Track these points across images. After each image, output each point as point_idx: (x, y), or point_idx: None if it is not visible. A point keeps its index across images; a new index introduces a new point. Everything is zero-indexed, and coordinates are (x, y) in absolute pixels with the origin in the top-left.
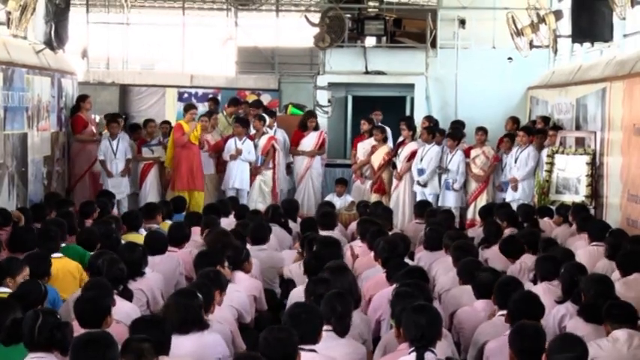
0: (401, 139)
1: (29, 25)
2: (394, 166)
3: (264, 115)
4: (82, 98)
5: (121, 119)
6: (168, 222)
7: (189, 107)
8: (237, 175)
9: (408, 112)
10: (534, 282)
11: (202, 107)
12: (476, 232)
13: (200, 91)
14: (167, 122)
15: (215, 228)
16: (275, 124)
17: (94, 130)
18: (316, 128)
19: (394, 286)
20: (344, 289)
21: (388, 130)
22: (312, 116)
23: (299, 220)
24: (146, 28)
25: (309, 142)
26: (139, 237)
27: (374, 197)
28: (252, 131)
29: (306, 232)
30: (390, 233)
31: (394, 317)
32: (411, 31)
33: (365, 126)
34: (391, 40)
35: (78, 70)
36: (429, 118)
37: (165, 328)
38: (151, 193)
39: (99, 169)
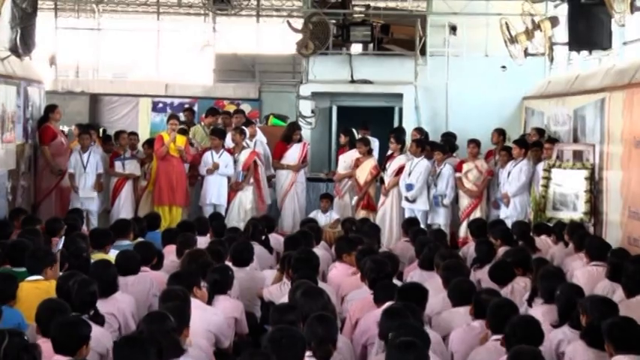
0: (389, 152)
1: None
2: (381, 181)
3: (243, 128)
4: (51, 108)
5: (93, 131)
6: (141, 240)
7: (170, 118)
8: (215, 190)
9: (396, 123)
10: (530, 303)
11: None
12: (468, 251)
13: (176, 101)
14: (135, 133)
15: (191, 247)
16: (257, 134)
17: (64, 141)
18: (299, 140)
19: (382, 308)
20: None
21: (374, 141)
22: (297, 129)
23: (281, 237)
24: (118, 34)
25: (293, 154)
26: (107, 257)
27: (361, 214)
28: (231, 144)
29: (290, 250)
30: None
31: (383, 339)
32: (399, 37)
33: (342, 139)
34: (378, 48)
35: (45, 79)
36: (418, 130)
37: (149, 351)
38: (124, 210)
39: (67, 183)
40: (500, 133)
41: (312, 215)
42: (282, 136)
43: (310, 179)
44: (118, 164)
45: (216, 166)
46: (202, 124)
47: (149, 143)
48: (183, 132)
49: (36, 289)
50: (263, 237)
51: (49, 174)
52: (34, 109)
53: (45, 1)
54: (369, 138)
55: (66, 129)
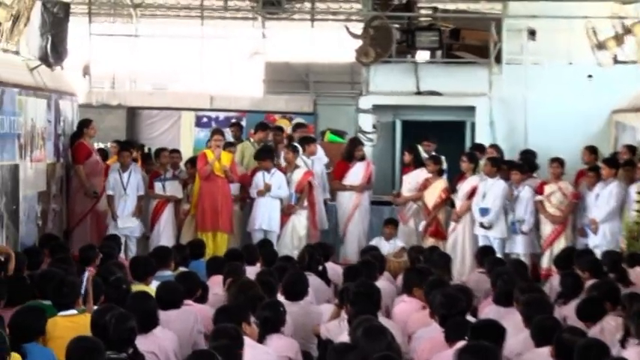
0: (461, 172)
1: (22, 38)
2: (452, 205)
3: (296, 145)
4: (85, 123)
5: (134, 148)
6: (184, 270)
7: (214, 133)
8: (266, 215)
9: (468, 140)
10: (623, 344)
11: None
12: (551, 285)
13: (222, 115)
14: (177, 151)
15: (239, 277)
16: (318, 151)
17: (99, 160)
18: (362, 158)
19: (454, 348)
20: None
21: (444, 160)
22: (359, 144)
23: (339, 268)
24: (158, 41)
25: (356, 174)
26: (148, 289)
27: (429, 242)
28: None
29: (349, 282)
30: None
31: None
32: (471, 43)
33: (407, 157)
34: (447, 55)
35: (79, 91)
36: (493, 147)
37: None
38: (164, 236)
39: (103, 207)
40: (592, 151)
41: (374, 243)
42: (344, 154)
43: (372, 202)
44: (158, 185)
45: (267, 188)
46: (251, 140)
47: (192, 162)
48: (229, 146)
49: (70, 324)
50: (319, 267)
51: (83, 196)
52: (66, 124)
53: (78, 5)
54: (439, 156)
55: (101, 146)
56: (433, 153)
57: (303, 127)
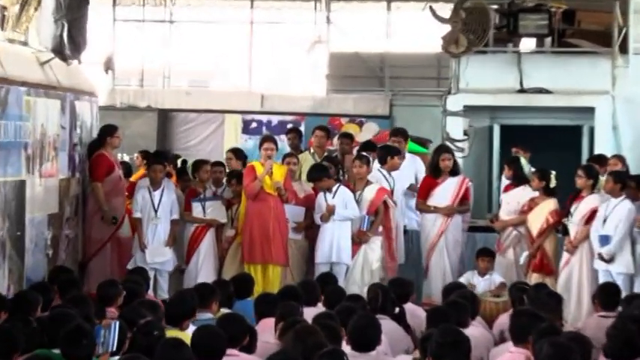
0: (576, 190)
1: (31, 26)
2: (564, 232)
3: (366, 155)
4: (109, 130)
5: (168, 161)
6: (227, 311)
7: (264, 140)
8: (334, 243)
9: (585, 150)
10: None
11: (280, 143)
12: None
13: (275, 119)
14: (220, 164)
15: (295, 321)
16: (403, 162)
17: (122, 177)
18: (454, 172)
19: None
20: None
21: (553, 175)
22: (446, 152)
23: (421, 310)
24: (197, 28)
25: (444, 192)
26: (184, 335)
27: (533, 278)
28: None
29: (433, 328)
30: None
31: None
32: (589, 28)
33: (507, 172)
34: (559, 43)
35: (100, 89)
36: (617, 158)
37: None
38: (203, 269)
39: (127, 233)
40: None
41: (464, 279)
42: (429, 168)
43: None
44: (196, 206)
45: (330, 210)
46: (311, 149)
47: (237, 177)
48: (288, 157)
49: None
50: (396, 309)
51: (101, 220)
52: (84, 130)
53: None
54: (547, 170)
55: (126, 158)
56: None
57: (348, 138)
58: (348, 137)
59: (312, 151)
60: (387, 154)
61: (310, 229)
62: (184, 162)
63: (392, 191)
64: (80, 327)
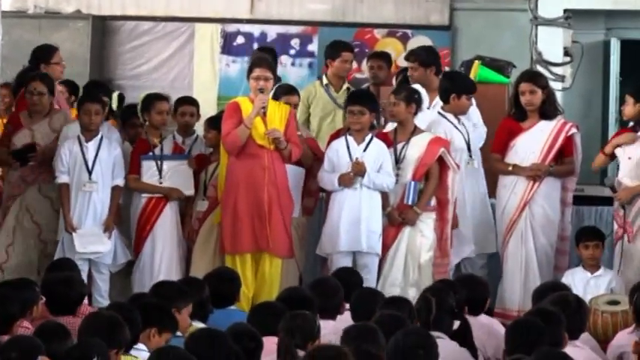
0: None
1: None
2: None
3: (414, 89)
4: (44, 54)
5: (105, 96)
6: (200, 325)
7: (255, 63)
8: (362, 223)
9: None
10: None
11: (280, 68)
12: None
13: (272, 30)
14: (187, 101)
15: (309, 339)
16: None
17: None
18: (548, 113)
19: None
20: None
21: None
22: (534, 81)
23: (496, 323)
24: None
25: (531, 143)
26: None
27: None
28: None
29: (517, 347)
30: None
31: None
32: None
33: (629, 109)
34: None
35: None
36: None
37: None
38: (164, 262)
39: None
40: None
41: (565, 279)
42: (511, 106)
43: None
44: (148, 167)
45: (358, 169)
46: (325, 78)
47: (213, 123)
48: (289, 92)
49: None
50: (456, 322)
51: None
52: None
53: None
54: None
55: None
56: None
57: (384, 60)
58: (384, 59)
59: (325, 81)
60: (452, 88)
61: (313, 197)
62: (121, 97)
63: (468, 145)
64: None
